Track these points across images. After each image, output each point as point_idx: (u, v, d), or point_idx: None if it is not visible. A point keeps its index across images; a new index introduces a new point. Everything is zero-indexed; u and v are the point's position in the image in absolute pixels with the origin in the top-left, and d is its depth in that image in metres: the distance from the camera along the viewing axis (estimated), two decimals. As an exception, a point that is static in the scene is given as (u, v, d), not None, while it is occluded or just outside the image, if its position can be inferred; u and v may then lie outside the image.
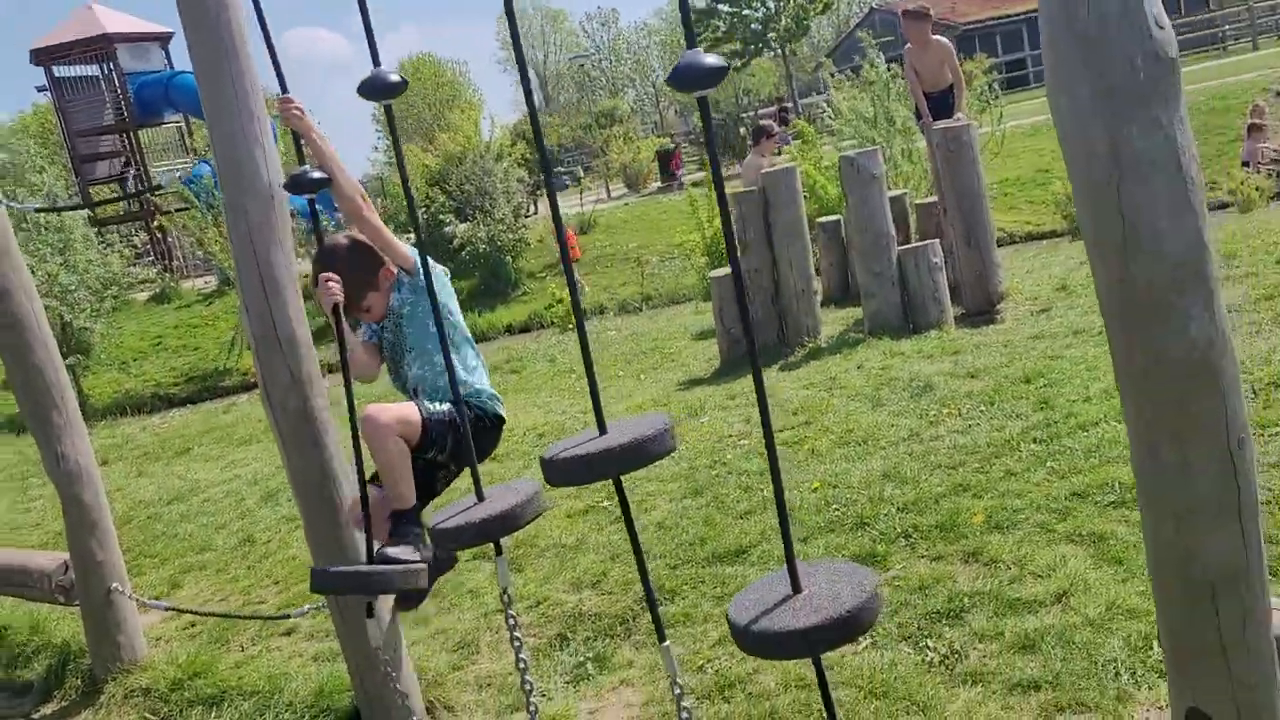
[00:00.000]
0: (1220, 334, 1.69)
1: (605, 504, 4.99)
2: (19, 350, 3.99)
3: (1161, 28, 1.64)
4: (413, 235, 2.71)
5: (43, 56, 25.42)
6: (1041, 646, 3.08)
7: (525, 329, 18.16)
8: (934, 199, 8.32)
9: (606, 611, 3.99)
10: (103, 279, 19.38)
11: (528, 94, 2.16)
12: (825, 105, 15.02)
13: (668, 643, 2.23)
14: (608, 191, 31.10)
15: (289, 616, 4.08)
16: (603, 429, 2.23)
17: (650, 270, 18.70)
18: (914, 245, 7.46)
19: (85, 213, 21.13)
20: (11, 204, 3.54)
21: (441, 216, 22.39)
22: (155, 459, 9.01)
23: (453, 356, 2.62)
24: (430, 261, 2.74)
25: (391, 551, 2.79)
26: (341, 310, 2.84)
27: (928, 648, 3.24)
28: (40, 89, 28.31)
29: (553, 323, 15.76)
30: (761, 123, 10.25)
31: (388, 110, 2.44)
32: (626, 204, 26.30)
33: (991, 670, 3.04)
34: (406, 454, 2.87)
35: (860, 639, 3.38)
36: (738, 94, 52.01)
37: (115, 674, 4.16)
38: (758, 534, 4.29)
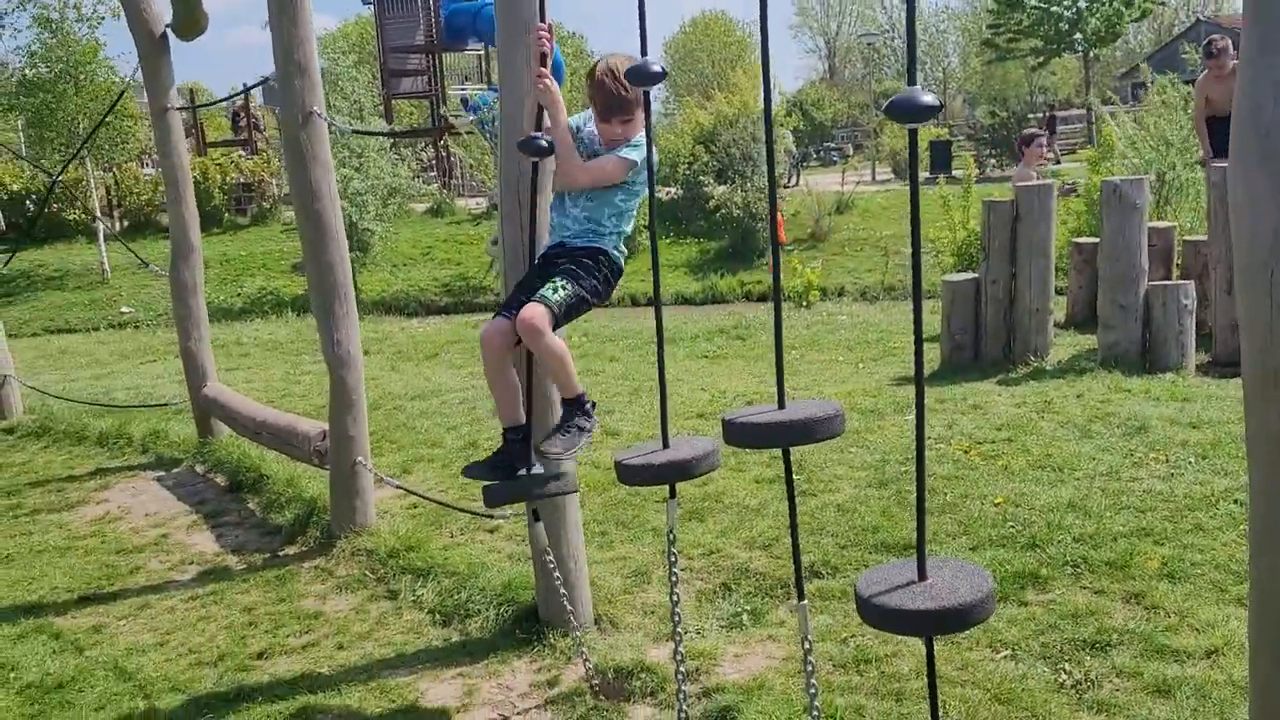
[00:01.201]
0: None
1: (794, 477, 5.25)
2: (318, 246, 4.69)
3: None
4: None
5: (372, -26, 27.69)
6: (1177, 694, 3.15)
7: (763, 298, 18.44)
8: (1204, 237, 7.96)
9: (771, 573, 4.30)
10: (390, 187, 21.12)
11: (765, 80, 2.43)
12: (1110, 118, 14.36)
13: (805, 602, 2.53)
14: (873, 174, 30.67)
15: (493, 516, 4.63)
16: (782, 404, 2.53)
17: (898, 261, 18.49)
18: (1165, 283, 7.21)
19: (384, 124, 22.97)
20: (331, 121, 4.11)
21: (702, 176, 22.87)
22: (408, 358, 9.99)
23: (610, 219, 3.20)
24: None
25: (553, 450, 3.16)
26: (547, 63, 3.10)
27: (1064, 670, 3.36)
28: (365, 2, 30.83)
29: (789, 296, 15.93)
30: (1026, 131, 10.04)
31: (646, 98, 2.80)
32: (889, 190, 25.88)
33: (1120, 704, 3.15)
34: (566, 350, 3.17)
35: (1000, 649, 3.54)
36: (1032, 91, 49.68)
37: (347, 533, 4.86)
38: (930, 534, 4.45)
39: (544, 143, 3.16)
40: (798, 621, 2.78)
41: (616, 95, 3.07)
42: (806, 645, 2.51)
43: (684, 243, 22.26)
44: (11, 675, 3.88)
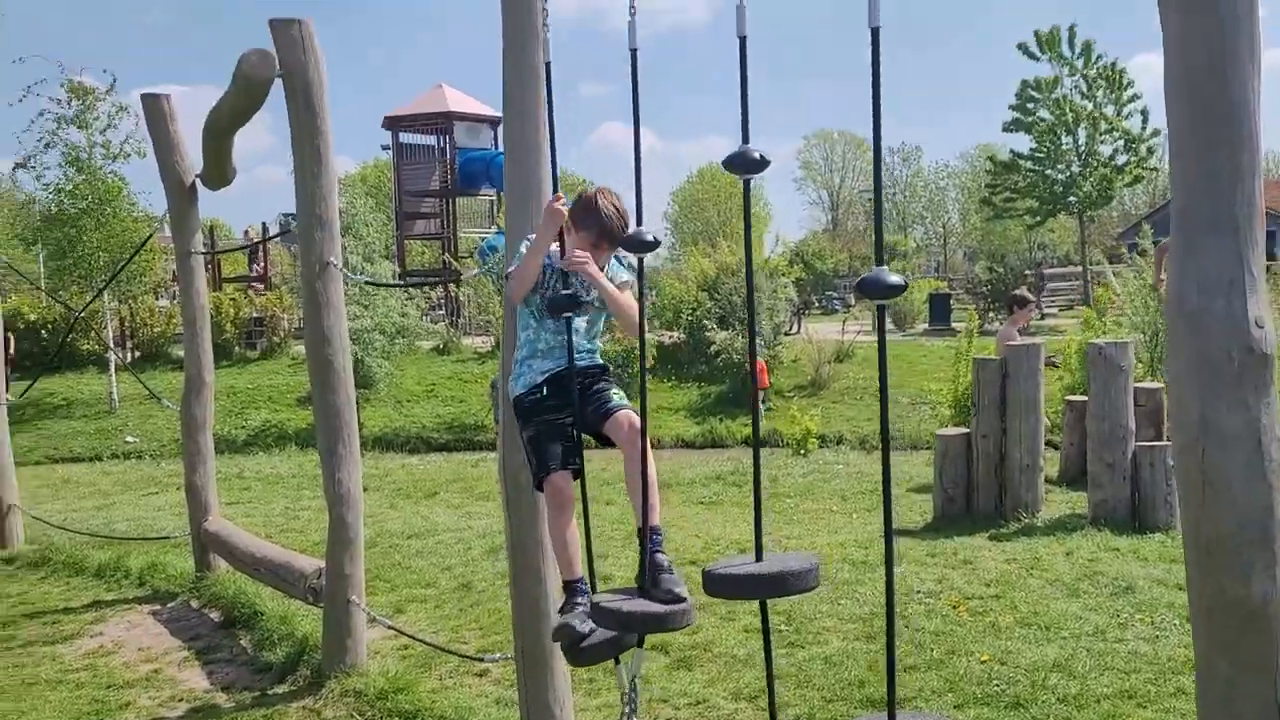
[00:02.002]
0: (1278, 592, 1.94)
1: (783, 628, 5.31)
2: (326, 389, 4.88)
3: (1260, 327, 1.95)
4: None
5: (392, 123, 28.92)
6: None
7: (764, 443, 18.56)
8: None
9: (757, 726, 4.32)
10: (398, 325, 21.54)
11: (748, 248, 2.65)
12: (1114, 276, 14.79)
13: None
14: (874, 324, 31.16)
15: (483, 659, 4.67)
16: (759, 556, 2.63)
17: (895, 411, 18.68)
18: (1152, 444, 7.37)
19: (394, 267, 23.60)
20: (346, 273, 4.35)
21: (705, 321, 23.34)
22: (407, 496, 10.09)
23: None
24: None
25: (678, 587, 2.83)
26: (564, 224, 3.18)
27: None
28: (384, 148, 32.10)
29: (788, 444, 16.06)
30: (1015, 293, 10.39)
31: (640, 264, 3.01)
32: (890, 341, 26.28)
33: None
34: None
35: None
36: (1030, 247, 50.88)
37: (337, 673, 4.89)
38: (914, 690, 4.50)
39: (569, 296, 3.21)
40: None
41: (617, 232, 3.21)
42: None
43: (685, 386, 22.54)
44: (-5, 810, 3.89)
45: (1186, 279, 2.00)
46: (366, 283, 18.03)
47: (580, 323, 3.32)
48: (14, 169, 22.19)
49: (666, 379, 22.69)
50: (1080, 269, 32.54)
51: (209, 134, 5.74)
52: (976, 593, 5.79)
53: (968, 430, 7.97)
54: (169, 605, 6.60)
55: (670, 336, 24.47)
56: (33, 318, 25.28)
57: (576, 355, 3.25)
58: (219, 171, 6.17)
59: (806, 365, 22.74)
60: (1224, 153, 1.96)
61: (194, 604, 6.54)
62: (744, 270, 23.39)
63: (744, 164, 2.66)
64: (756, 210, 62.51)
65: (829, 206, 73.76)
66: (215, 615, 6.27)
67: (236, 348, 26.19)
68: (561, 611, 3.21)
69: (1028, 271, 33.52)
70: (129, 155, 21.68)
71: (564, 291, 3.21)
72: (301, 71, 4.69)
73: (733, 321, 22.86)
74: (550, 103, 3.46)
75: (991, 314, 29.53)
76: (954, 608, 5.57)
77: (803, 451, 14.95)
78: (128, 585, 7.09)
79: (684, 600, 2.80)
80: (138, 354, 26.02)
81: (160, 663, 5.53)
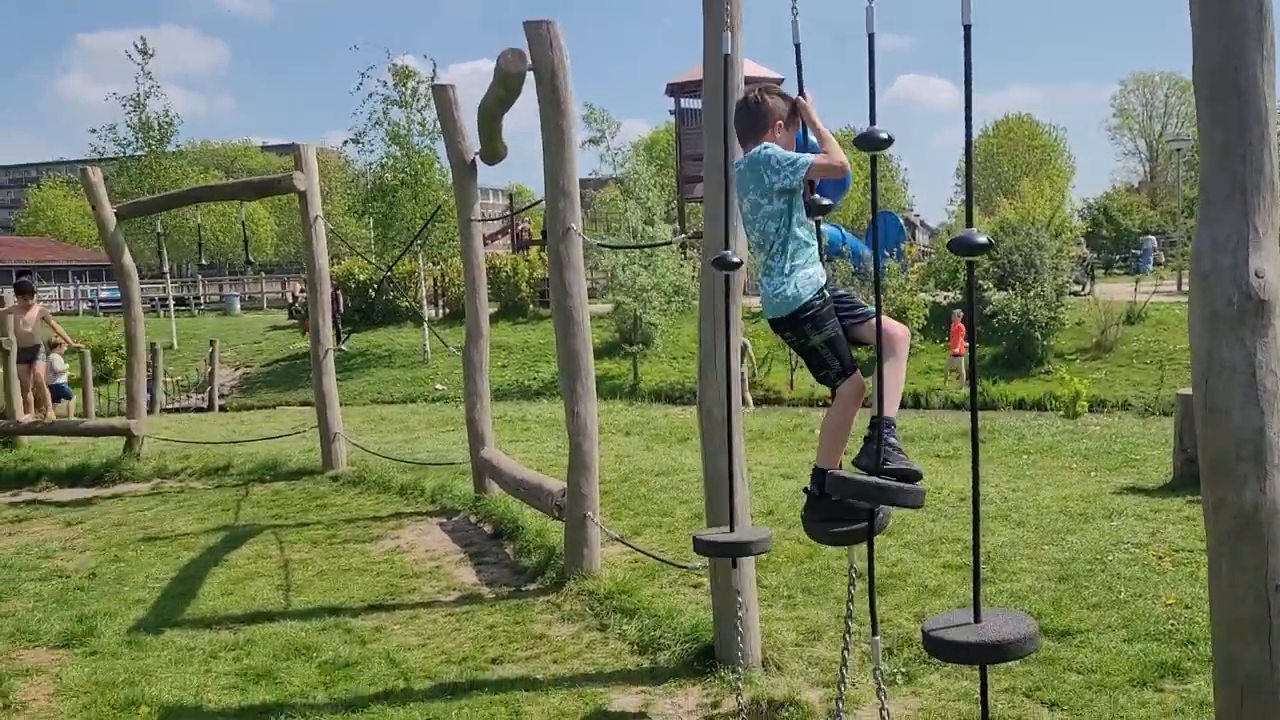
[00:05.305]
0: (1269, 503, 2.26)
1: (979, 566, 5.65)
2: (566, 334, 5.74)
3: (1260, 277, 2.26)
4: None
5: (675, 89, 30.03)
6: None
7: (1039, 406, 18.11)
8: None
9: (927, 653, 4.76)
10: (675, 284, 22.63)
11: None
12: None
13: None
14: (1179, 284, 29.13)
15: (686, 567, 5.40)
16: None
17: (1184, 380, 17.65)
18: None
19: (675, 228, 24.73)
20: (585, 237, 5.04)
21: (982, 281, 22.85)
22: (663, 440, 11.00)
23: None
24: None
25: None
26: None
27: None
28: (672, 111, 33.36)
29: (1060, 407, 15.65)
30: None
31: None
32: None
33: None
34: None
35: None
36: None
37: (575, 576, 5.77)
38: (1091, 623, 4.76)
39: (734, 259, 3.80)
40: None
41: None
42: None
43: (960, 348, 22.21)
44: (314, 654, 5.05)
45: (1204, 241, 2.34)
46: (598, 245, 19.17)
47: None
48: (343, 144, 25.17)
49: (939, 339, 22.48)
50: None
51: (481, 118, 6.74)
52: (1188, 546, 5.84)
53: (1216, 390, 7.76)
54: (453, 519, 7.81)
55: (945, 297, 24.10)
56: (362, 278, 28.59)
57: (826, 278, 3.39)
58: (492, 149, 7.18)
59: (1091, 328, 21.81)
60: (1234, 127, 2.28)
61: (472, 519, 7.71)
62: (1022, 230, 22.52)
63: (872, 143, 3.09)
64: (1056, 163, 59.00)
65: (1146, 157, 68.08)
66: (487, 528, 7.39)
67: (531, 305, 28.41)
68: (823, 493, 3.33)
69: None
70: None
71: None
72: (548, 65, 5.51)
73: (1012, 282, 22.25)
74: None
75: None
76: (1159, 558, 5.68)
77: (1073, 414, 14.58)
78: (422, 502, 8.41)
79: (919, 476, 3.03)
80: (447, 311, 28.83)
81: (441, 561, 6.67)
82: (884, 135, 3.05)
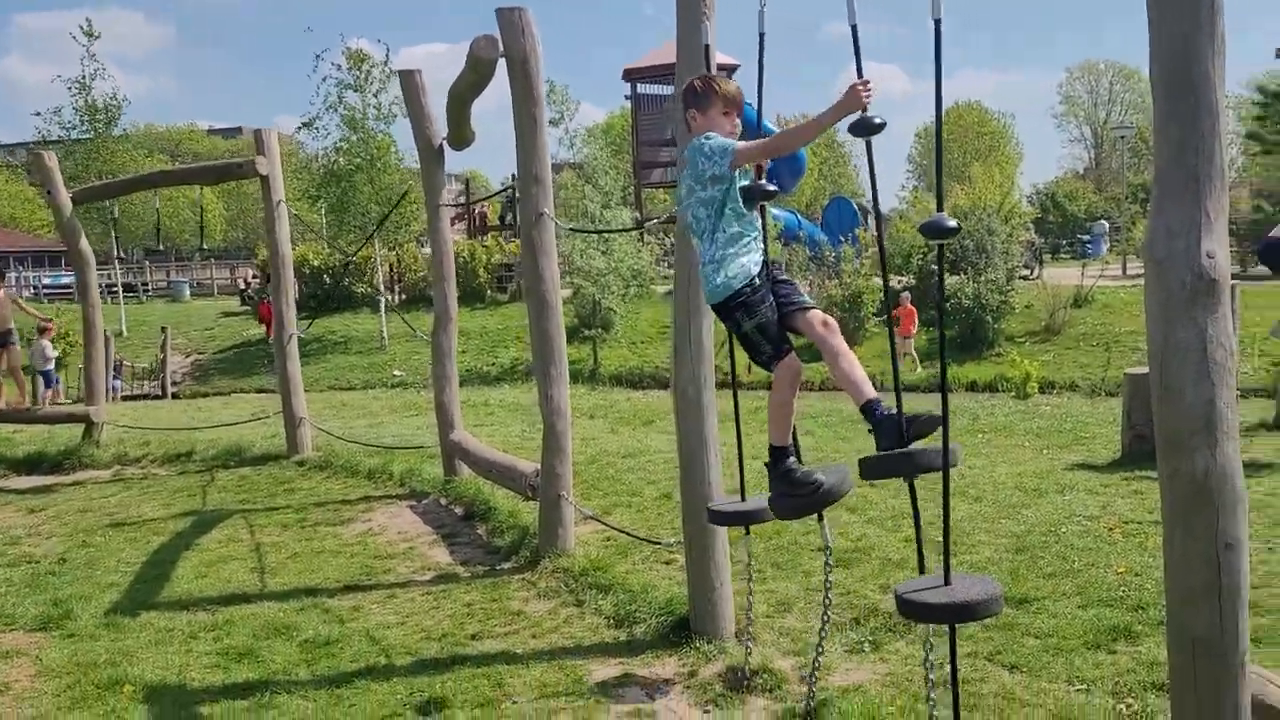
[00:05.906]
0: (1219, 469, 2.44)
1: (938, 538, 5.86)
2: (540, 318, 5.85)
3: (1211, 258, 2.44)
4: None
5: (630, 75, 30.06)
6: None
7: (990, 388, 18.49)
8: None
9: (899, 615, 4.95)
10: (633, 269, 22.74)
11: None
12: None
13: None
14: (1124, 268, 29.79)
15: (659, 544, 5.55)
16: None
17: (1130, 360, 18.13)
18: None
19: (632, 213, 24.83)
20: (557, 222, 5.15)
21: (934, 266, 23.21)
22: (627, 423, 11.14)
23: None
24: None
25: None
26: None
27: (1126, 703, 3.87)
28: (627, 97, 33.38)
29: (1008, 388, 16.02)
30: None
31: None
32: (1136, 286, 25.17)
33: (1164, 734, 3.64)
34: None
35: (1077, 684, 4.08)
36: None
37: (550, 554, 5.90)
38: (1046, 591, 4.98)
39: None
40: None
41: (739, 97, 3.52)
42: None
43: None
44: (294, 633, 5.13)
45: (1158, 229, 2.51)
46: (571, 230, 19.30)
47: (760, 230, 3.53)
48: (297, 129, 24.94)
49: (897, 322, 22.81)
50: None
51: (450, 103, 6.80)
52: (1137, 518, 6.09)
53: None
54: (423, 501, 7.89)
55: (899, 282, 24.44)
56: (316, 263, 28.35)
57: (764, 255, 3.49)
58: (460, 134, 7.25)
59: (1040, 311, 22.26)
60: (1189, 123, 2.45)
61: (442, 500, 7.80)
62: (973, 215, 22.87)
63: (866, 128, 3.22)
64: (1005, 150, 59.84)
65: (1092, 145, 69.30)
66: (458, 510, 7.48)
67: (489, 291, 28.37)
68: (776, 469, 3.66)
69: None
70: (395, 116, 23.86)
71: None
72: (520, 53, 5.60)
73: (964, 266, 22.63)
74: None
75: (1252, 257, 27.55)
76: (1110, 530, 5.93)
77: (1023, 395, 14.95)
78: (391, 485, 8.48)
79: (939, 422, 3.19)
80: (404, 296, 28.70)
81: (414, 542, 6.77)
82: (878, 120, 3.19)
